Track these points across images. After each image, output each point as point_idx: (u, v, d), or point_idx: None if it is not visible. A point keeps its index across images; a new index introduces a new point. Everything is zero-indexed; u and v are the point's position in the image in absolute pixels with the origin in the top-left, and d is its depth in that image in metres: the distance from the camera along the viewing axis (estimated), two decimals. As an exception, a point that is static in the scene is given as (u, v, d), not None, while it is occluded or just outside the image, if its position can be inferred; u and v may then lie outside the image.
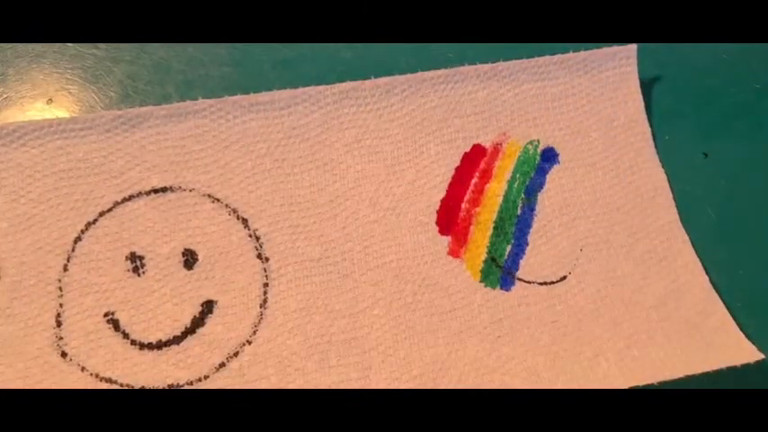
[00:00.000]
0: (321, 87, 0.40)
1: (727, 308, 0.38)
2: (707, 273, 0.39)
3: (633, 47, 0.41)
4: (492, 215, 0.39)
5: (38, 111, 0.39)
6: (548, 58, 0.41)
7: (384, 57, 0.42)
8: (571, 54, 0.41)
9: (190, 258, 0.37)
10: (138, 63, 0.41)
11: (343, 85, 0.40)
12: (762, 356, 0.35)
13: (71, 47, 0.41)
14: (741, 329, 0.37)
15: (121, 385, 0.35)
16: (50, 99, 0.40)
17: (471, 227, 0.38)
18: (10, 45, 0.41)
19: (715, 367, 0.35)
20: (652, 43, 0.42)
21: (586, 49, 0.42)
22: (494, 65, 0.41)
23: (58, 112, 0.39)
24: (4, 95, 0.40)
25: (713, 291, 0.38)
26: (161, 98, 0.40)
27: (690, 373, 0.35)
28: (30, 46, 0.41)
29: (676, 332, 0.37)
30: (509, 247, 0.38)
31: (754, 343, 0.36)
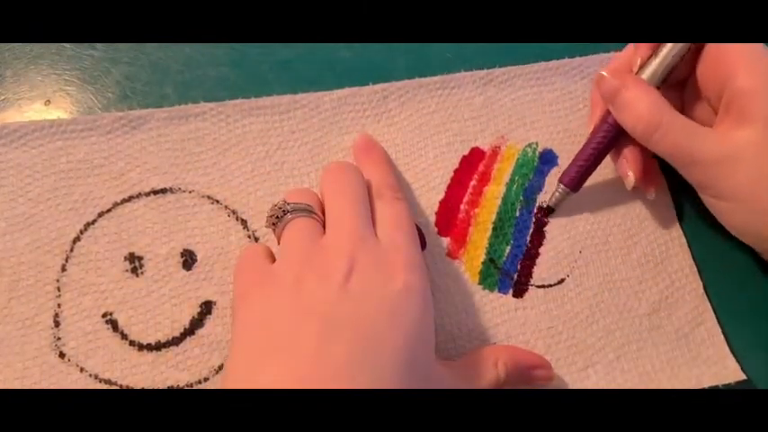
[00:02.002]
0: (320, 93, 0.40)
1: (723, 309, 0.38)
2: (703, 272, 0.39)
3: (629, 52, 0.42)
4: (491, 216, 0.39)
5: (36, 112, 0.39)
6: (543, 63, 0.42)
7: (383, 57, 0.42)
8: (566, 60, 0.42)
9: (189, 259, 0.37)
10: (137, 64, 0.41)
11: (342, 91, 0.40)
12: (743, 377, 0.36)
13: (69, 48, 0.41)
14: (736, 333, 0.38)
15: (121, 386, 0.34)
16: (48, 100, 0.40)
17: (470, 228, 0.39)
18: (8, 46, 0.41)
19: (698, 386, 0.36)
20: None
21: (583, 49, 0.43)
22: (490, 71, 0.41)
23: (57, 113, 0.39)
24: (2, 97, 0.40)
25: (706, 298, 0.39)
26: (159, 99, 0.40)
27: (673, 388, 0.36)
28: (27, 47, 0.41)
29: (665, 342, 0.38)
30: (508, 249, 0.39)
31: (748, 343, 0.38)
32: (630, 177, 0.37)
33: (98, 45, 0.41)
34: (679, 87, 0.39)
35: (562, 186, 0.38)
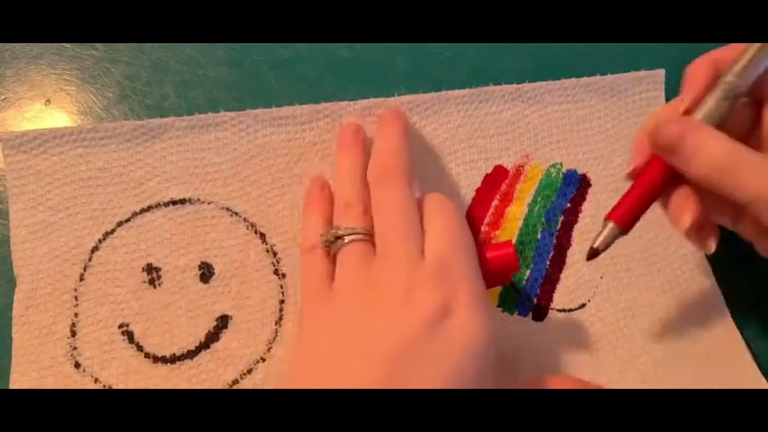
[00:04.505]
0: (343, 103, 0.39)
1: (753, 336, 0.38)
2: (731, 300, 0.38)
3: (661, 72, 0.41)
4: (511, 239, 0.38)
5: (36, 112, 0.39)
6: (574, 80, 0.40)
7: (382, 57, 0.42)
8: (598, 77, 0.41)
9: (206, 272, 0.37)
10: (137, 64, 0.41)
11: (366, 101, 0.39)
12: None
13: (69, 47, 0.41)
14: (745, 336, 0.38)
15: (134, 398, 0.34)
16: (48, 100, 0.40)
17: (491, 250, 0.38)
18: (8, 46, 0.41)
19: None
20: (650, 43, 0.41)
21: (583, 49, 0.42)
22: (519, 86, 0.40)
23: (56, 112, 0.39)
24: (2, 96, 0.40)
25: (735, 328, 0.38)
26: (159, 99, 0.40)
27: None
28: (27, 47, 0.41)
29: (693, 365, 0.37)
30: (528, 272, 0.38)
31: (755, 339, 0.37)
32: (687, 217, 0.32)
33: (98, 45, 0.41)
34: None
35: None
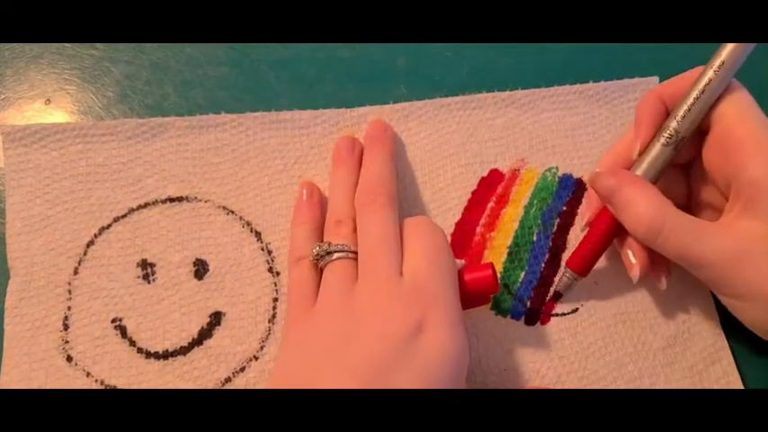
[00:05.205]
0: (342, 110, 0.40)
1: (739, 347, 0.38)
2: (720, 309, 0.38)
3: (654, 79, 0.41)
4: (507, 240, 0.38)
5: (36, 111, 0.40)
6: (567, 87, 0.41)
7: (382, 56, 0.42)
8: (591, 84, 0.41)
9: (201, 268, 0.37)
10: (136, 63, 0.41)
11: (363, 108, 0.40)
12: None
13: (69, 47, 0.41)
14: (751, 372, 0.37)
15: (125, 393, 0.34)
16: (48, 99, 0.40)
17: (486, 251, 0.38)
18: (8, 45, 0.41)
19: None
20: (651, 43, 0.42)
21: (583, 49, 0.42)
22: (512, 93, 0.41)
23: (57, 112, 0.40)
24: (3, 96, 0.40)
25: (723, 336, 0.38)
26: (159, 98, 0.40)
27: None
28: (27, 46, 0.41)
29: (679, 379, 0.37)
30: (522, 274, 0.38)
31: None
32: (636, 270, 0.35)
33: (98, 45, 0.41)
34: (685, 168, 0.37)
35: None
